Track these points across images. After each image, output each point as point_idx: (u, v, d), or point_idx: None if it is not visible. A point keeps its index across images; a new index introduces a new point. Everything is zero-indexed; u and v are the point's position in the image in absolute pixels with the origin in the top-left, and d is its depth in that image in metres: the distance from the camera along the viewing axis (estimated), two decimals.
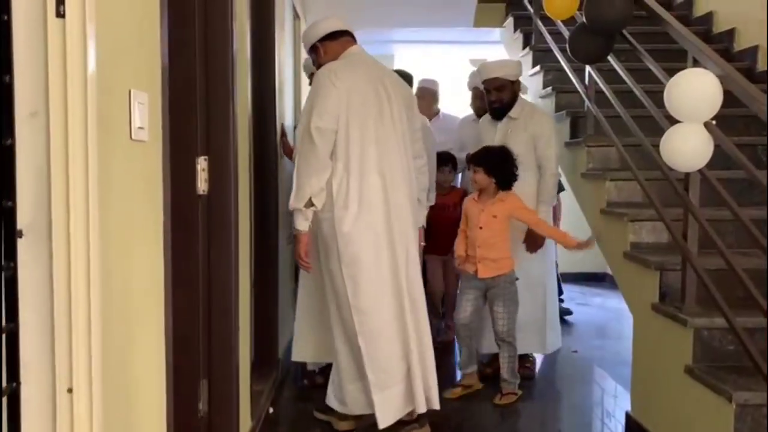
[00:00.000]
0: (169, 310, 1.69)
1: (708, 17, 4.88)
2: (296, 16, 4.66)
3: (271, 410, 3.34)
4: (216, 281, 2.53)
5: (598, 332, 5.21)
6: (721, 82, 2.36)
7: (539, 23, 4.55)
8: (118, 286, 1.35)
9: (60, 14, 1.18)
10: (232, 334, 2.56)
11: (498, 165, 3.41)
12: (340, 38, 2.96)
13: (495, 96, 3.70)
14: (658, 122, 2.91)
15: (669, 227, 2.75)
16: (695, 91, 2.34)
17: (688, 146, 2.37)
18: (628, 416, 3.06)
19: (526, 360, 3.87)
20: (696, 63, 2.60)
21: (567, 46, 3.45)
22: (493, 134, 3.70)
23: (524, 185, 3.51)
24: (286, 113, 4.31)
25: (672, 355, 2.63)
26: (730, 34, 4.61)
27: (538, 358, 4.32)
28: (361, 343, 2.78)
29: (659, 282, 2.81)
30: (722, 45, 4.61)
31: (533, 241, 3.62)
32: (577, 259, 5.71)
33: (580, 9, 3.53)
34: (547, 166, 3.58)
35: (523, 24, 5.13)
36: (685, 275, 2.64)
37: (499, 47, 5.82)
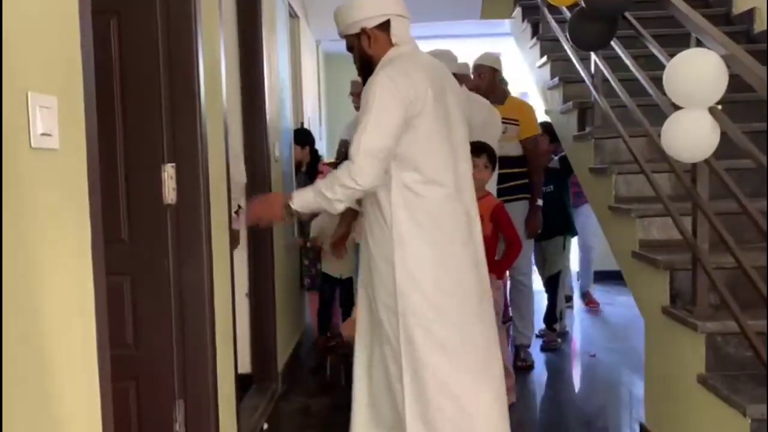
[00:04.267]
0: (103, 330, 1.54)
1: None
2: (293, 14, 4.53)
3: (265, 426, 3.20)
4: (187, 294, 2.39)
5: (622, 333, 4.97)
6: (727, 64, 2.15)
7: (546, 12, 4.33)
8: (19, 325, 1.20)
9: None
10: (207, 349, 2.43)
11: None
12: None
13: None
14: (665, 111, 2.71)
15: (678, 223, 2.53)
16: (697, 74, 2.13)
17: (691, 135, 2.16)
18: (642, 428, 2.84)
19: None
20: (700, 44, 2.38)
21: (567, 33, 3.24)
22: None
23: None
24: (284, 115, 4.18)
25: (684, 362, 2.42)
26: (750, 14, 4.33)
27: (555, 363, 4.14)
28: None
29: (669, 283, 2.59)
30: (743, 27, 4.34)
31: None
32: (600, 257, 5.50)
33: None
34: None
35: (531, 13, 4.91)
36: (695, 275, 2.42)
37: (509, 39, 5.60)
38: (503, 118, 3.91)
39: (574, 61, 3.69)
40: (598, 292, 5.99)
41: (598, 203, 3.33)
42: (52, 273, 1.33)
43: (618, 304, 5.87)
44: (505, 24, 5.64)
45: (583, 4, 2.96)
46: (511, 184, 3.92)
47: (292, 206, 2.20)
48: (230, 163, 2.76)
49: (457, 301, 2.19)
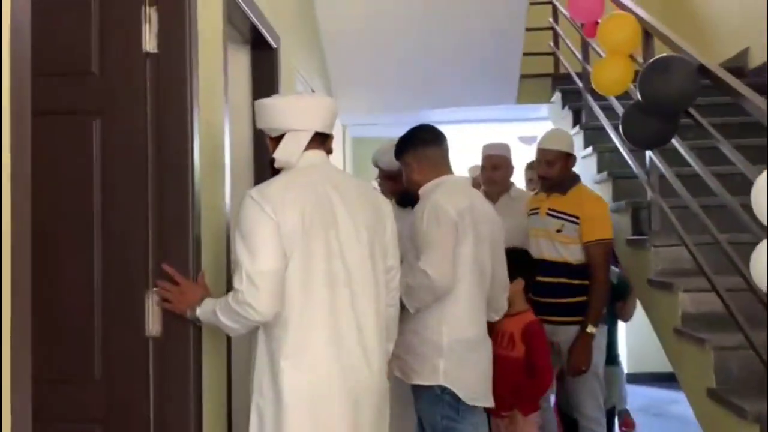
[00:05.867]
0: None
1: None
2: None
3: None
4: None
5: None
6: None
7: (589, 98, 4.00)
8: None
9: None
10: None
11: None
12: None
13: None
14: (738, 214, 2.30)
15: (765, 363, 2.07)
16: None
17: None
18: None
19: None
20: None
21: (620, 127, 2.87)
22: None
23: None
24: None
25: None
26: None
27: None
28: None
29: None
30: None
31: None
32: (647, 356, 4.92)
33: (634, 82, 2.93)
34: None
35: (573, 99, 4.58)
36: None
37: (547, 123, 5.28)
38: (560, 212, 3.12)
39: (625, 155, 3.31)
40: (644, 398, 5.40)
41: (660, 323, 2.88)
42: None
43: (669, 414, 5.28)
44: (543, 108, 5.33)
45: (640, 98, 2.59)
46: (565, 300, 3.08)
47: (196, 312, 1.98)
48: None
49: None
